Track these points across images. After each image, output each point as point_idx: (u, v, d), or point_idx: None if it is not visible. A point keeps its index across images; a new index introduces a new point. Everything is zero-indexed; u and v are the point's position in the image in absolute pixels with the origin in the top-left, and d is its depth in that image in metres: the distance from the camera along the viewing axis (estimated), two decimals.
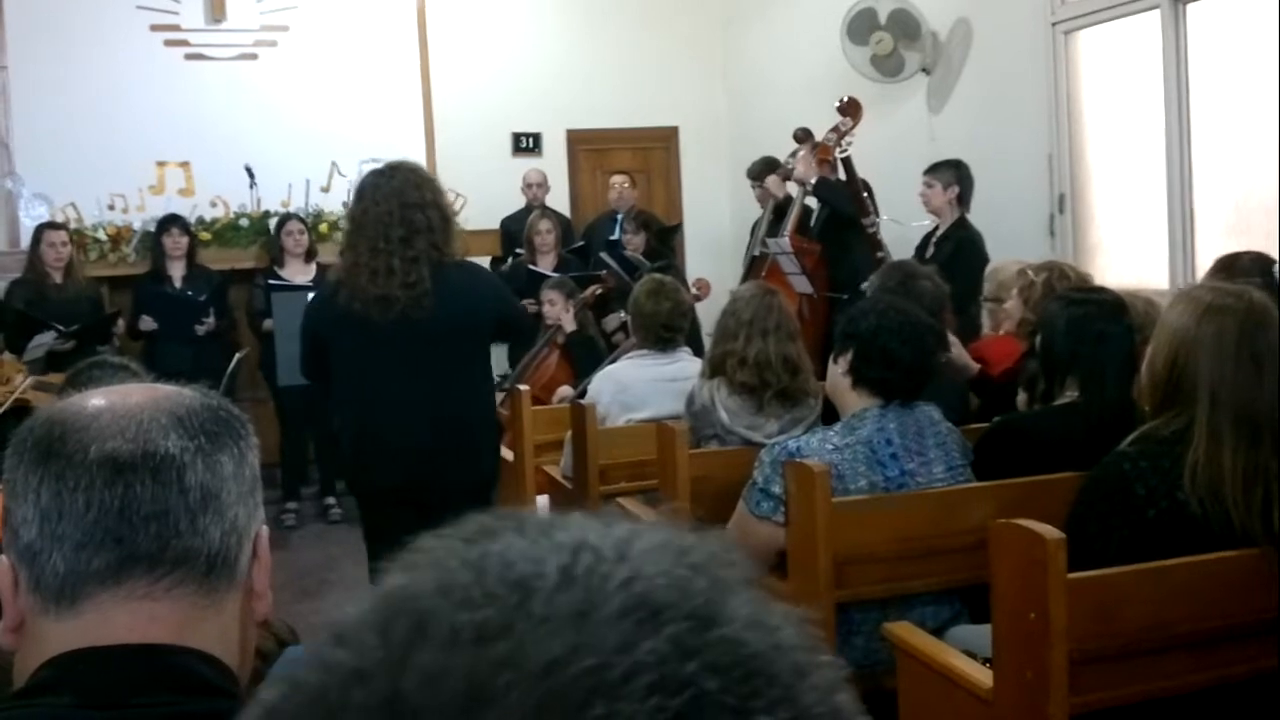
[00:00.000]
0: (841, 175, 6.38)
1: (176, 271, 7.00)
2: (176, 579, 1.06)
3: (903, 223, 6.37)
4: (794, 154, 6.75)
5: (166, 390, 1.14)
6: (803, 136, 6.73)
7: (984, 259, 5.60)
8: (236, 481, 1.11)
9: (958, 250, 5.61)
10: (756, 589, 0.52)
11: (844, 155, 6.32)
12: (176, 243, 6.97)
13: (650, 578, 0.49)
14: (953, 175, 5.85)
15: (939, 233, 5.89)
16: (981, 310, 5.11)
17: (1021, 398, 3.37)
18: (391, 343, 3.56)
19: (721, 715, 0.45)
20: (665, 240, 7.50)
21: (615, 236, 7.56)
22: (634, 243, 7.12)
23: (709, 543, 0.53)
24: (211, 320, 6.80)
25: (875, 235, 6.14)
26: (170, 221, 7.06)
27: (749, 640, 0.48)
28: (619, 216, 7.77)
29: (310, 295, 5.24)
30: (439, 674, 0.46)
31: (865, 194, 6.28)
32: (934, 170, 5.92)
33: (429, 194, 3.60)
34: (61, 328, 6.33)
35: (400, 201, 3.54)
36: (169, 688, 1.03)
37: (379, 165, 3.74)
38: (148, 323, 6.78)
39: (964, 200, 5.86)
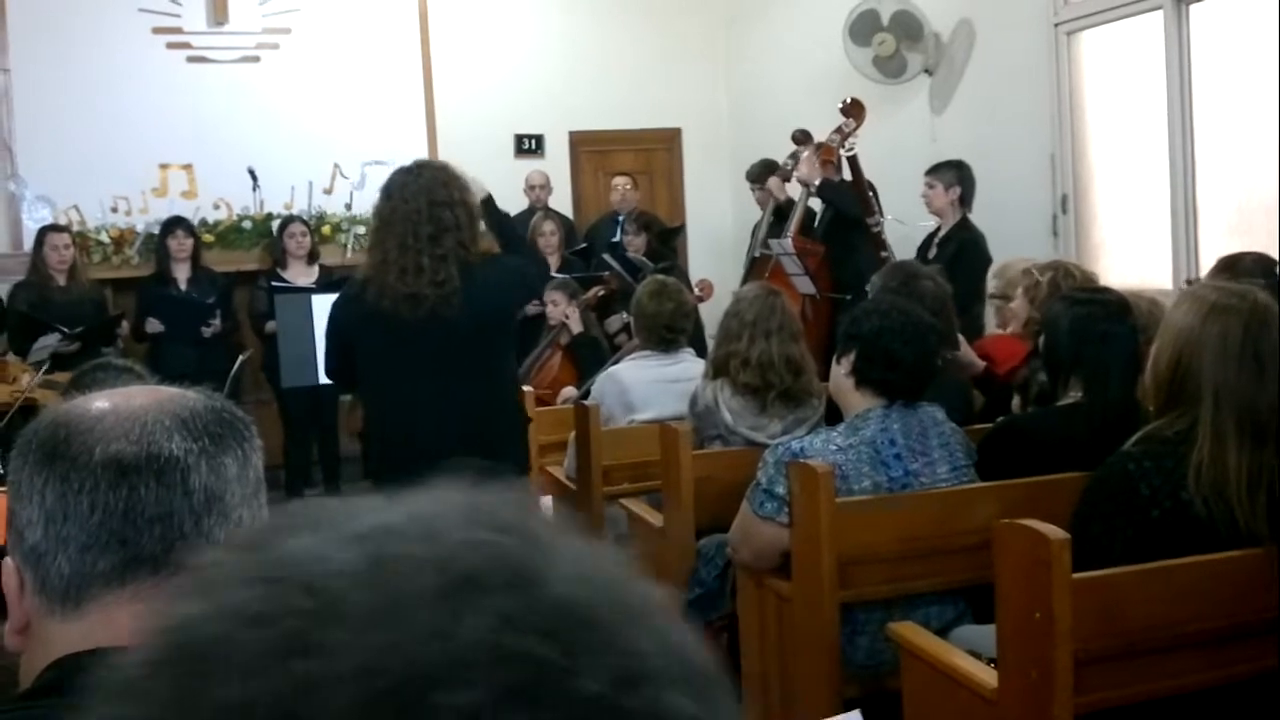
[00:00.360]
0: (848, 175, 6.38)
1: (181, 274, 7.00)
2: None
3: (907, 222, 6.36)
4: (792, 155, 6.75)
5: (170, 392, 1.14)
6: (801, 138, 6.73)
7: (986, 259, 5.60)
8: (240, 483, 1.11)
9: (960, 251, 5.61)
10: (572, 537, 0.47)
11: (851, 154, 6.32)
12: (181, 245, 6.98)
13: (459, 551, 0.44)
14: (954, 176, 5.86)
15: (941, 233, 5.89)
16: (985, 310, 5.11)
17: (1016, 401, 3.36)
18: (420, 341, 3.52)
19: (564, 680, 0.41)
20: (666, 242, 7.49)
21: (618, 238, 7.56)
22: (635, 244, 7.13)
23: (512, 501, 0.48)
24: (218, 323, 6.81)
25: (880, 235, 6.14)
26: (175, 223, 7.07)
27: (576, 595, 0.43)
28: (621, 218, 7.77)
29: (311, 296, 5.26)
30: (241, 709, 0.40)
31: (870, 194, 6.28)
32: (935, 171, 5.92)
33: (456, 192, 3.58)
34: (65, 330, 6.33)
35: (429, 199, 3.51)
36: None
37: (406, 164, 3.71)
38: (154, 325, 6.79)
39: (966, 201, 5.86)
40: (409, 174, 3.61)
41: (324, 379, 4.62)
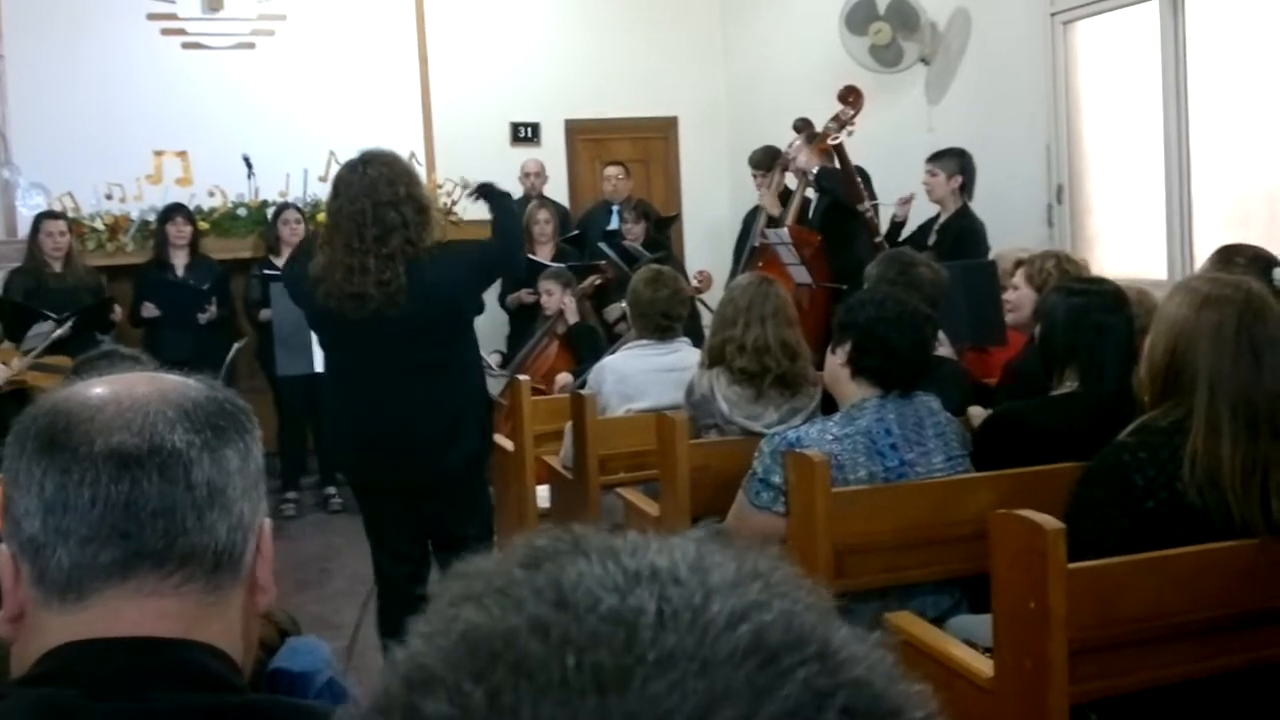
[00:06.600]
0: (836, 163, 6.37)
1: (179, 260, 7.00)
2: (184, 576, 1.05)
3: (886, 204, 6.36)
4: (791, 144, 6.74)
5: (172, 381, 1.12)
6: (802, 126, 6.71)
7: (986, 249, 5.60)
8: (242, 476, 1.09)
9: (959, 239, 5.61)
10: (833, 609, 0.49)
11: (836, 143, 6.31)
12: (180, 231, 6.98)
13: (751, 613, 0.45)
14: (956, 164, 5.85)
15: (940, 220, 5.89)
16: None
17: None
18: (366, 340, 3.60)
19: None
20: (662, 229, 7.49)
21: (613, 227, 7.56)
22: (634, 232, 7.13)
23: (769, 560, 0.50)
24: (213, 309, 6.80)
25: (873, 221, 6.14)
26: (174, 210, 7.08)
27: (872, 679, 0.46)
28: (614, 207, 7.76)
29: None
30: None
31: (859, 181, 6.27)
32: (937, 159, 5.92)
33: (402, 188, 3.58)
34: (56, 316, 6.32)
35: (373, 200, 3.54)
36: (177, 681, 1.02)
37: (352, 158, 3.73)
38: (150, 310, 6.78)
39: (967, 189, 5.86)
40: (354, 171, 3.63)
41: (319, 367, 4.64)
